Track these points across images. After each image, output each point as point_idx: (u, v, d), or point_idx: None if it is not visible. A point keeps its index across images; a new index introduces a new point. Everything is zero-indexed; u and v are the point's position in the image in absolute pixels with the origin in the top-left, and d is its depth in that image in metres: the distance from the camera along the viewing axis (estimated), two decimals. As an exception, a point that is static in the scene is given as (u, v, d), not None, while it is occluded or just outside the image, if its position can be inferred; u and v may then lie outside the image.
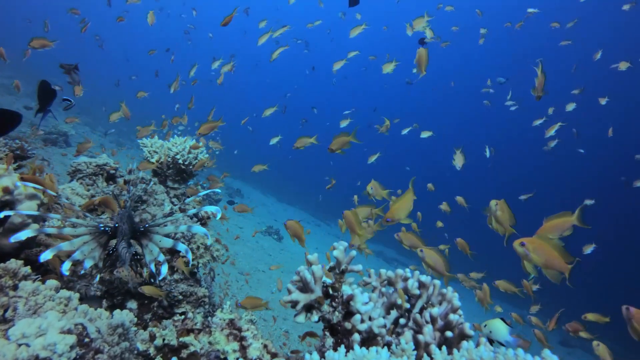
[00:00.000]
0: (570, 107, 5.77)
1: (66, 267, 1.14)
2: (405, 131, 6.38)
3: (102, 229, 1.29)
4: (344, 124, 5.97)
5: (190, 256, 1.18)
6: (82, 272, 1.22)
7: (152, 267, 1.19)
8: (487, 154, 6.52)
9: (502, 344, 1.20)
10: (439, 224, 5.44)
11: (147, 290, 1.70)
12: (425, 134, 5.79)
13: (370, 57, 9.44)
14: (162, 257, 1.21)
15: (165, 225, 1.31)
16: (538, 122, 6.47)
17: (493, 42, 22.81)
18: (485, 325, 1.26)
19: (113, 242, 1.26)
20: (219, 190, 1.60)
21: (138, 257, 1.29)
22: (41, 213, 1.30)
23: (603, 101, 6.11)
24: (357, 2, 4.15)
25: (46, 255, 1.13)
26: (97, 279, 1.27)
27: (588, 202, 7.13)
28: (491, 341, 1.24)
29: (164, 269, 1.18)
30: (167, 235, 1.27)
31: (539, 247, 1.53)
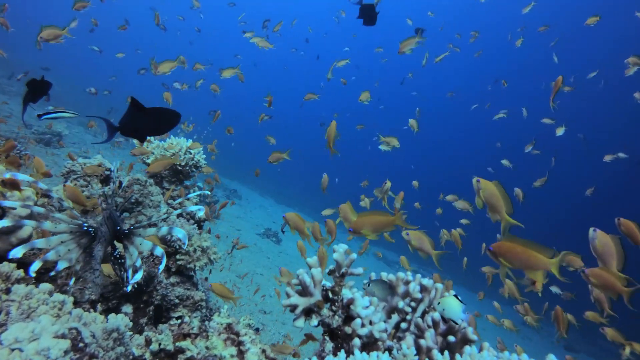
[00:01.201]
0: (560, 131, 5.80)
1: (34, 268, 1.09)
2: (384, 148, 6.15)
3: (86, 229, 1.25)
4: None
5: (164, 261, 1.17)
6: (52, 274, 1.18)
7: (130, 272, 1.16)
8: (509, 165, 6.61)
9: (455, 323, 1.19)
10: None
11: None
12: (383, 147, 5.56)
13: (383, 60, 9.48)
14: (139, 263, 1.19)
15: (150, 227, 1.29)
16: (529, 147, 6.61)
17: (495, 43, 22.89)
18: (439, 303, 1.22)
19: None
20: (208, 192, 1.58)
21: (121, 260, 1.26)
22: (26, 206, 1.26)
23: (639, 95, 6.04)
24: (374, 23, 4.14)
25: (16, 252, 1.09)
26: (72, 282, 1.22)
27: (589, 192, 7.19)
28: (444, 319, 1.22)
29: (139, 275, 1.15)
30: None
31: (507, 251, 1.37)
